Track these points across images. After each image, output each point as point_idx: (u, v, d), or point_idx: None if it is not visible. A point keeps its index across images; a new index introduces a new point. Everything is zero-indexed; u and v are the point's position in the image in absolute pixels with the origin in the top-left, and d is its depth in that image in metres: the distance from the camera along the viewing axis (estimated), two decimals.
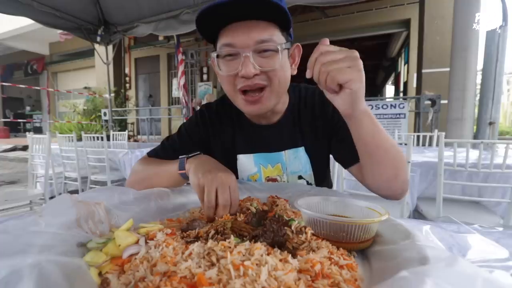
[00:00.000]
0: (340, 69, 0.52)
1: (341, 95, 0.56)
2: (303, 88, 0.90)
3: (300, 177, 0.87)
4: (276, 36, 0.69)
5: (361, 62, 0.53)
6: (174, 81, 8.41)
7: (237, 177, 0.88)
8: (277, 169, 0.87)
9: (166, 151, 0.89)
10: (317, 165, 0.88)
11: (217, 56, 0.72)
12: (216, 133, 0.90)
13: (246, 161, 0.88)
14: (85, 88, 8.63)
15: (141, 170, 0.83)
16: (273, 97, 0.74)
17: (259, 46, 0.67)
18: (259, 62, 0.68)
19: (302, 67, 0.81)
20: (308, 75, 0.56)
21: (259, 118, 0.86)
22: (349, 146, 0.80)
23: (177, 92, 6.10)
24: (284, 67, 0.73)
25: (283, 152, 0.86)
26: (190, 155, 0.69)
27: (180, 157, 0.70)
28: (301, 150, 0.86)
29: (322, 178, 0.90)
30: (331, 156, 0.91)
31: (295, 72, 0.79)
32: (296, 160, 0.86)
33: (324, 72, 0.52)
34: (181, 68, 5.99)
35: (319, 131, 0.86)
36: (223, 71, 0.72)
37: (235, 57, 0.69)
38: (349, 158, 0.80)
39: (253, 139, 0.87)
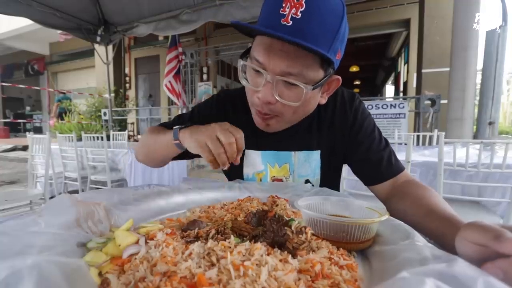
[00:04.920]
0: None
1: None
2: None
3: (307, 181, 0.85)
4: (310, 71, 0.62)
5: None
6: None
7: (242, 173, 0.88)
8: (284, 170, 0.85)
9: (173, 124, 0.87)
10: (327, 171, 0.85)
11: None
12: (229, 121, 0.89)
13: (254, 157, 0.86)
14: (62, 93, 8.63)
15: (144, 138, 0.88)
16: (283, 124, 0.75)
17: (283, 78, 0.62)
18: (280, 91, 0.64)
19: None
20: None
21: None
22: (374, 165, 0.79)
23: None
24: (307, 102, 0.69)
25: (293, 152, 0.84)
26: (183, 126, 0.70)
27: (174, 127, 0.71)
28: (316, 154, 0.84)
29: (330, 186, 0.87)
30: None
31: (324, 102, 0.75)
32: (306, 163, 0.84)
33: None
34: (167, 67, 5.79)
35: (336, 139, 0.83)
36: (248, 80, 0.70)
37: (261, 74, 0.65)
38: (373, 178, 0.79)
39: (264, 135, 0.84)
